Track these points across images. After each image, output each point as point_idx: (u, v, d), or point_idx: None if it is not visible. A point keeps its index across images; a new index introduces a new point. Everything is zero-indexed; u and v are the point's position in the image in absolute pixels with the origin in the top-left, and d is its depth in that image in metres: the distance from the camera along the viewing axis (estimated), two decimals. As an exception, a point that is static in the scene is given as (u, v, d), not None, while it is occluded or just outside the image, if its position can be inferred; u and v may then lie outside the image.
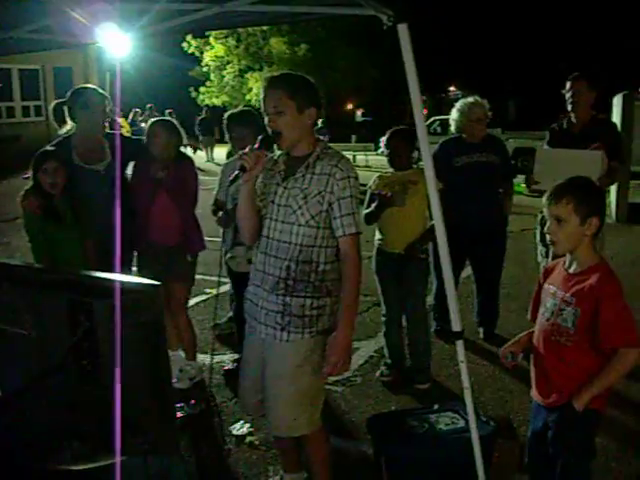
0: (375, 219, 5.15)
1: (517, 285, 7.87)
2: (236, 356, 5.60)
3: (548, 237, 2.96)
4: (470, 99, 5.95)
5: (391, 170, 5.26)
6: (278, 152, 3.36)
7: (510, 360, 3.21)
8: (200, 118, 25.72)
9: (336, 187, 3.15)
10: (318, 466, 3.64)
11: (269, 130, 3.20)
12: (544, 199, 2.98)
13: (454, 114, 5.96)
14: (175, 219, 4.94)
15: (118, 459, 1.73)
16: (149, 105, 24.43)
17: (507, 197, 6.09)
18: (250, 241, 3.41)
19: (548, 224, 2.94)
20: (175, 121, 5.23)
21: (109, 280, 1.82)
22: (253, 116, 5.02)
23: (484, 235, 5.86)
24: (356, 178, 3.24)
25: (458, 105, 5.96)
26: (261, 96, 3.23)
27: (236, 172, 3.16)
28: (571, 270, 2.99)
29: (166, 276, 4.70)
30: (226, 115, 5.11)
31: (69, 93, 4.87)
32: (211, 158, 24.11)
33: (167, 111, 25.95)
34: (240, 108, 5.40)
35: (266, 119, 3.21)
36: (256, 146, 3.18)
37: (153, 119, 5.32)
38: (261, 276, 3.29)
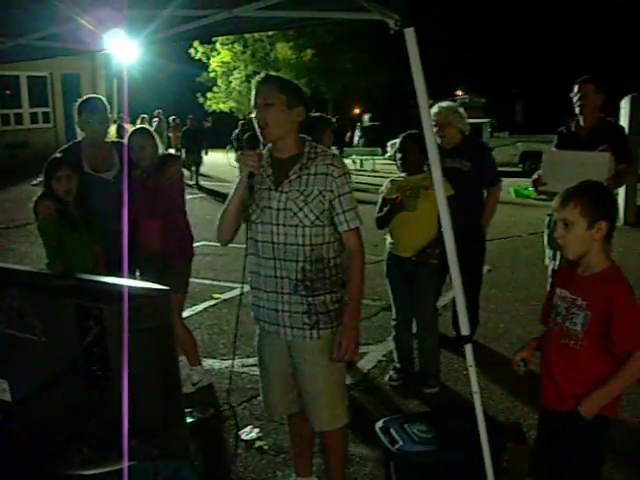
0: (386, 224, 5.16)
1: (527, 288, 7.87)
2: (247, 360, 5.61)
3: (559, 241, 2.94)
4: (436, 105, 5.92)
5: (403, 175, 5.27)
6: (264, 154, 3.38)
7: (522, 368, 3.18)
8: (184, 129, 21.69)
9: (335, 185, 3.23)
10: (338, 461, 3.71)
11: (255, 123, 3.25)
12: (554, 202, 2.97)
13: None
14: (155, 226, 4.95)
15: (126, 464, 1.73)
16: (157, 111, 24.32)
17: (489, 205, 6.00)
18: (226, 242, 3.42)
19: (557, 228, 2.93)
20: (149, 127, 5.32)
21: (119, 285, 1.82)
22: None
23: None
24: (349, 174, 3.36)
25: None
26: (252, 93, 3.28)
27: (250, 185, 3.23)
28: (582, 273, 2.97)
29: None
30: None
31: (77, 103, 4.94)
32: (196, 180, 19.70)
33: (175, 118, 25.91)
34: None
35: (254, 113, 3.26)
36: (248, 149, 3.24)
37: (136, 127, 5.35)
38: (273, 281, 3.31)
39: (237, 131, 22.79)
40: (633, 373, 2.85)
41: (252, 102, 3.28)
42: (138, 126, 5.42)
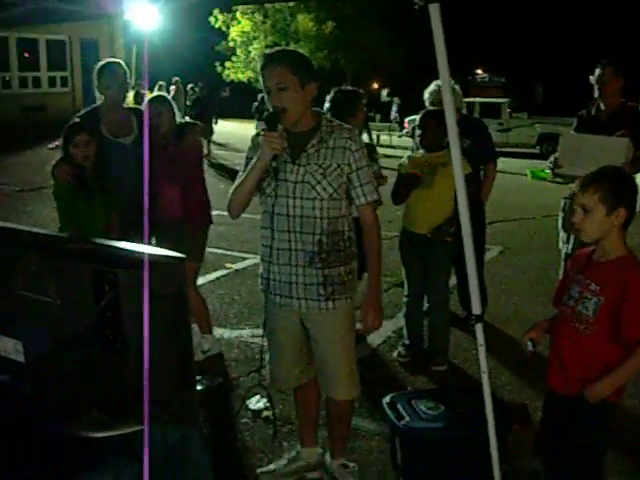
0: (403, 199, 5.15)
1: (539, 271, 7.85)
2: (258, 331, 5.64)
3: (577, 225, 2.93)
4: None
5: (421, 151, 5.25)
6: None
7: (530, 347, 3.18)
8: (194, 98, 20.78)
9: (352, 158, 3.25)
10: (343, 432, 3.82)
11: (270, 107, 3.21)
12: (574, 187, 2.95)
13: None
14: (174, 193, 4.95)
15: (147, 428, 1.75)
16: (175, 79, 24.20)
17: (487, 181, 6.04)
18: (237, 216, 3.42)
19: (576, 213, 2.91)
20: (166, 94, 5.33)
21: (135, 251, 1.83)
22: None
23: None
24: (365, 147, 3.43)
25: None
26: (260, 73, 3.23)
27: (274, 166, 3.22)
28: (598, 259, 2.96)
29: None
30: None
31: (96, 67, 4.93)
32: (208, 150, 17.75)
33: (194, 86, 25.70)
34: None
35: (266, 96, 3.23)
36: (267, 128, 3.17)
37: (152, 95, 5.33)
38: (287, 254, 3.32)
39: (256, 104, 22.53)
40: (639, 363, 2.84)
41: (262, 83, 3.23)
42: (155, 94, 5.41)
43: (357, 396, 3.76)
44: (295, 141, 3.28)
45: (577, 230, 2.95)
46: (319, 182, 3.22)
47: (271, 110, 3.21)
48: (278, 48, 3.44)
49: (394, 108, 29.84)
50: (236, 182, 3.36)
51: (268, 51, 3.32)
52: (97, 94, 5.03)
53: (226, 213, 3.43)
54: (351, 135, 3.29)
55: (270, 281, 3.44)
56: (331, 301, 3.36)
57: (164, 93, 5.78)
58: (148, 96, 5.28)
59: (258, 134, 3.33)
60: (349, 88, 5.55)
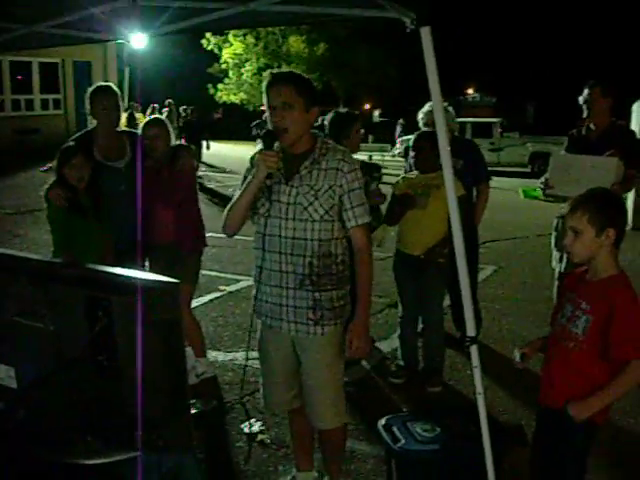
0: (397, 220, 5.17)
1: (533, 290, 7.86)
2: (251, 354, 5.61)
3: (568, 248, 2.96)
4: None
5: (415, 172, 5.27)
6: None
7: (518, 359, 3.21)
8: (184, 121, 21.09)
9: (344, 180, 3.22)
10: (337, 456, 3.77)
11: (270, 126, 3.21)
12: (564, 209, 2.99)
13: None
14: (168, 216, 4.95)
15: (140, 454, 1.74)
16: (168, 101, 24.25)
17: (480, 202, 6.05)
18: (232, 235, 3.41)
19: (566, 235, 2.95)
20: (163, 117, 5.34)
21: (128, 277, 1.83)
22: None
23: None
24: (360, 169, 3.35)
25: None
26: (265, 91, 3.22)
27: (268, 184, 3.21)
28: (590, 278, 3.00)
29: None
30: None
31: (89, 90, 4.93)
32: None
33: (186, 108, 25.80)
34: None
35: (269, 114, 3.22)
36: (264, 147, 3.18)
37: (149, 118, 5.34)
38: (278, 276, 3.30)
39: (258, 121, 22.50)
40: (627, 382, 2.85)
41: (266, 101, 3.23)
42: (152, 116, 5.42)
43: (347, 420, 3.70)
44: (290, 162, 3.27)
45: (567, 252, 2.99)
46: (311, 203, 3.21)
47: (270, 129, 3.21)
48: (284, 69, 3.43)
49: (398, 129, 29.81)
50: (232, 200, 3.35)
51: (275, 71, 3.32)
52: (89, 118, 5.03)
53: (220, 235, 3.42)
54: (344, 157, 3.26)
55: (262, 302, 3.43)
56: (320, 326, 3.31)
57: (159, 115, 5.82)
58: (140, 119, 5.30)
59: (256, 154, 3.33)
60: (344, 110, 5.56)
